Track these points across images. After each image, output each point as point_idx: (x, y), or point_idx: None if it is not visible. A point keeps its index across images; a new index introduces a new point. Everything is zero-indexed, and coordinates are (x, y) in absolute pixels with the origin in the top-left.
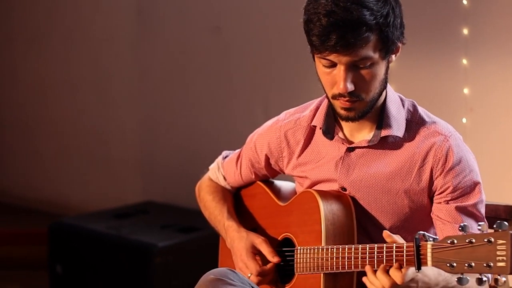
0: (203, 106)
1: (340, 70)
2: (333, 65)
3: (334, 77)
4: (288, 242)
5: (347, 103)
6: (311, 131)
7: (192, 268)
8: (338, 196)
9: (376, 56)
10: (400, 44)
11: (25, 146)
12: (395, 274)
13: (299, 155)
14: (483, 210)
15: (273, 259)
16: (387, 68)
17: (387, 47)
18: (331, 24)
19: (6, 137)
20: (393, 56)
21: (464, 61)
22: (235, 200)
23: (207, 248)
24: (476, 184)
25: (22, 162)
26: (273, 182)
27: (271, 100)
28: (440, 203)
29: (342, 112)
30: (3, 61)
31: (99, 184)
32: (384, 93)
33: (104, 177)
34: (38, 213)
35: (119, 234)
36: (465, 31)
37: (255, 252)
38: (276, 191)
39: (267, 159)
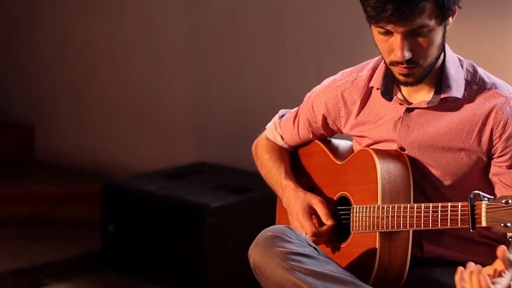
0: (256, 67)
1: (396, 38)
2: (389, 32)
3: (391, 45)
4: (344, 201)
5: (405, 69)
6: (368, 91)
7: (245, 229)
8: (395, 155)
9: (432, 23)
10: (456, 7)
11: (77, 108)
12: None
13: (357, 115)
14: None
15: (328, 221)
16: (444, 32)
17: (443, 14)
18: None
19: (58, 100)
20: (450, 19)
21: None
22: (292, 158)
23: (260, 209)
24: None
25: (74, 123)
26: (330, 141)
27: (324, 61)
28: (502, 167)
29: (400, 77)
30: (54, 23)
31: (151, 145)
32: (442, 55)
33: (156, 139)
34: (91, 174)
35: (171, 195)
36: None
37: (311, 212)
38: (334, 150)
39: (324, 119)
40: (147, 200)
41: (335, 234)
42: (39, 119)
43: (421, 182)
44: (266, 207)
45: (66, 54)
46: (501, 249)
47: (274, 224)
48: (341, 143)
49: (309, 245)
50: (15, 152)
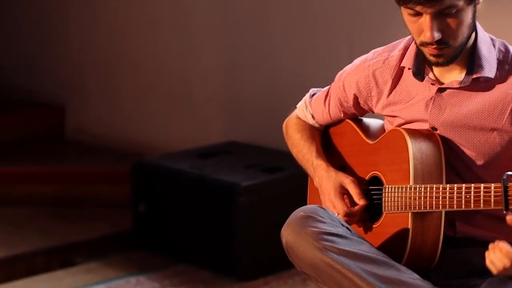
0: (287, 46)
1: (426, 19)
2: (418, 13)
3: (420, 26)
4: (376, 181)
5: (435, 50)
6: (400, 71)
7: (276, 208)
8: (427, 134)
9: (461, 3)
10: None
11: (108, 86)
12: None
13: (388, 95)
14: None
15: (360, 201)
16: (474, 11)
17: None
18: None
19: (89, 78)
20: None
21: None
22: (323, 137)
23: (291, 188)
24: None
25: (105, 103)
26: (361, 120)
27: (355, 40)
28: None
29: (431, 58)
30: (84, 2)
31: (182, 124)
32: (473, 34)
33: (186, 118)
34: (122, 153)
35: (202, 174)
36: None
37: (343, 192)
38: (365, 129)
39: (356, 98)
40: (178, 179)
41: (367, 214)
42: (69, 98)
43: (453, 162)
44: (297, 186)
45: (97, 33)
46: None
47: (305, 203)
48: (372, 122)
49: (342, 225)
50: (46, 132)
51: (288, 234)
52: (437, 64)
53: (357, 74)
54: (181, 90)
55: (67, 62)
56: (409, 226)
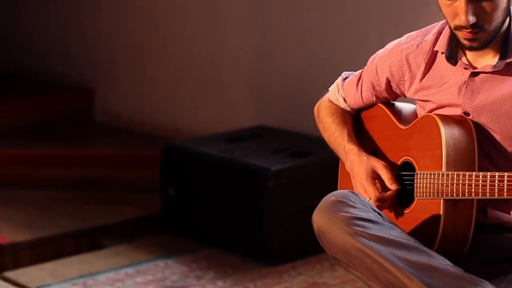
0: (318, 29)
1: (461, 3)
2: None
3: (455, 9)
4: (408, 166)
5: (469, 34)
6: (433, 55)
7: (305, 193)
8: (460, 120)
9: None
10: None
11: (138, 70)
12: None
13: (421, 79)
14: None
15: (392, 186)
16: None
17: None
18: None
19: (119, 62)
20: None
21: None
22: (355, 121)
23: (320, 173)
24: None
25: (134, 86)
26: (394, 104)
27: (386, 25)
28: None
29: (465, 42)
30: None
31: (211, 109)
32: (507, 19)
33: (216, 102)
34: (151, 136)
35: (231, 158)
36: None
37: (375, 177)
38: (397, 114)
39: (388, 82)
40: (207, 163)
41: (398, 200)
42: (99, 82)
43: (486, 148)
44: (326, 171)
45: (127, 16)
46: None
47: (334, 188)
48: (405, 107)
49: (373, 210)
50: (75, 115)
51: (319, 219)
52: (471, 48)
53: (390, 58)
54: (211, 74)
55: (97, 46)
56: (441, 212)
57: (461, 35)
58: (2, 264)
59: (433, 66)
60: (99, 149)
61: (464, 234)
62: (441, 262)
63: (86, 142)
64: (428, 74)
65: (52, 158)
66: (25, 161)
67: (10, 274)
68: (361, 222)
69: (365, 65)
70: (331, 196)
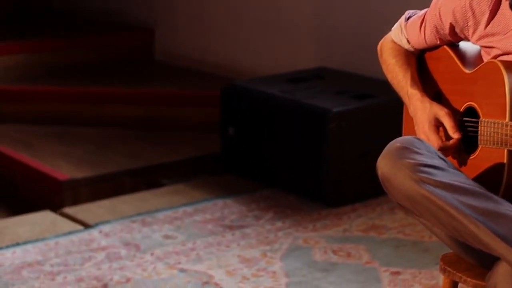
0: None
1: None
2: None
3: None
4: (471, 112)
5: None
6: (497, 2)
7: (366, 136)
8: None
9: None
10: None
11: (197, 9)
12: None
13: (486, 26)
14: None
15: (454, 134)
16: None
17: None
18: None
19: (179, 1)
20: None
21: None
22: (419, 62)
23: (381, 115)
24: None
25: (194, 25)
26: (458, 46)
27: None
28: None
29: None
30: None
31: (272, 50)
32: None
33: (277, 43)
34: (211, 76)
35: (293, 98)
36: None
37: (438, 125)
38: (462, 56)
39: (452, 27)
40: (268, 103)
41: (462, 146)
42: (159, 21)
43: None
44: (388, 114)
45: None
46: None
47: (395, 131)
48: (470, 50)
49: (438, 156)
50: (136, 54)
51: (384, 165)
52: None
53: (454, 2)
54: (272, 14)
55: None
56: (505, 161)
57: None
58: (61, 200)
59: (497, 13)
60: (159, 88)
61: None
62: (508, 208)
63: (146, 81)
64: (492, 21)
65: (112, 96)
66: (85, 98)
67: (68, 210)
68: (426, 169)
69: (428, 4)
70: (396, 143)
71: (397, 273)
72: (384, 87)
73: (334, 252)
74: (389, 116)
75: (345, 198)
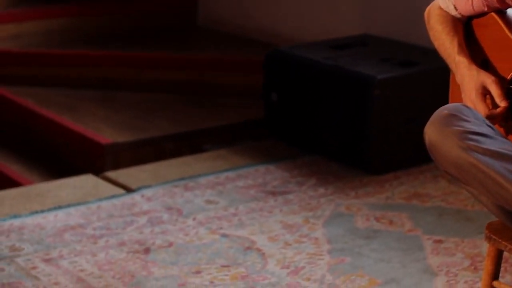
0: None
1: None
2: None
3: None
4: None
5: None
6: None
7: (410, 104)
8: None
9: None
10: None
11: None
12: None
13: None
14: None
15: (501, 103)
16: None
17: None
18: None
19: None
20: None
21: None
22: (466, 28)
23: (426, 83)
24: None
25: None
26: (506, 13)
27: None
28: None
29: None
30: None
31: (315, 16)
32: None
33: (320, 9)
34: (255, 42)
35: (336, 64)
36: None
37: (485, 93)
38: (510, 24)
39: None
40: (311, 69)
41: (510, 113)
42: None
43: None
44: (433, 82)
45: None
46: None
47: (440, 99)
48: None
49: (486, 124)
50: (179, 19)
51: (431, 132)
52: None
53: None
54: None
55: None
56: None
57: None
58: (103, 164)
59: None
60: (202, 53)
61: None
62: None
63: (189, 46)
64: None
65: (155, 61)
66: (128, 63)
67: (110, 174)
68: (474, 136)
69: None
70: (444, 110)
71: (440, 241)
72: (429, 54)
73: (377, 219)
74: (435, 84)
75: (388, 166)
